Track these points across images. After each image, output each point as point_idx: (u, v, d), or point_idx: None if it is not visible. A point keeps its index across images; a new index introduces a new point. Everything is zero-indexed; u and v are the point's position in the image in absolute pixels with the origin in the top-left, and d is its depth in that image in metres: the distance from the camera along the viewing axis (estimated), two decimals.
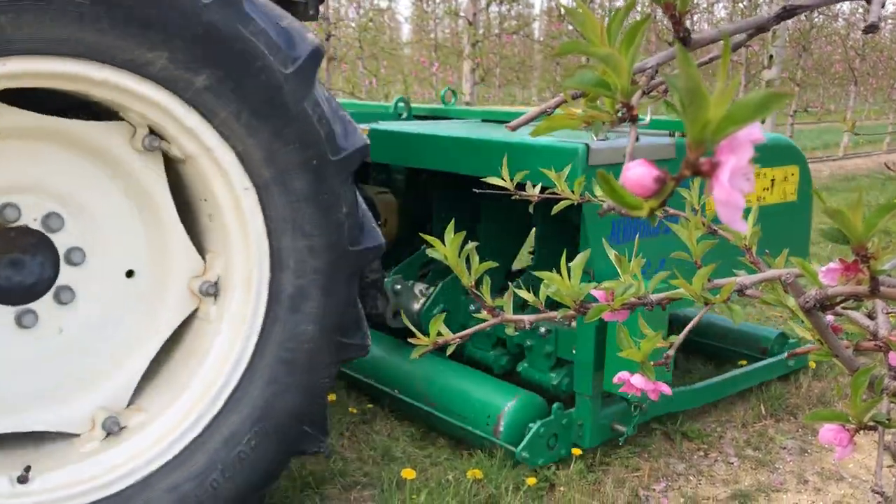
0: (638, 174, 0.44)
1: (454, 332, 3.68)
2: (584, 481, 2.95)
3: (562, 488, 2.90)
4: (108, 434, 2.22)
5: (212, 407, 2.25)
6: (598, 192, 1.47)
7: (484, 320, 1.05)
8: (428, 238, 1.09)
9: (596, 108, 0.69)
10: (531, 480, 2.89)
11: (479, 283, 1.06)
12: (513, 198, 1.60)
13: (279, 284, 2.23)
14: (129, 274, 2.24)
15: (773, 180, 3.53)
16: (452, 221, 1.09)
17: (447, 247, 1.04)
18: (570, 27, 13.29)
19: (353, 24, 13.08)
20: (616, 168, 2.73)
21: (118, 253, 2.21)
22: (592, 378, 2.98)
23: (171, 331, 2.30)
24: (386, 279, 3.51)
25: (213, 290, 2.27)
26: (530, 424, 3.00)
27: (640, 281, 1.03)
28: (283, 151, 2.13)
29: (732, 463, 3.28)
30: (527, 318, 1.07)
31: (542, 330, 3.23)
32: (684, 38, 0.68)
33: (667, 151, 3.04)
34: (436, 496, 2.82)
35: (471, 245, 1.09)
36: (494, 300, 1.06)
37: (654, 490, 3.03)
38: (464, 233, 1.06)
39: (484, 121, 4.12)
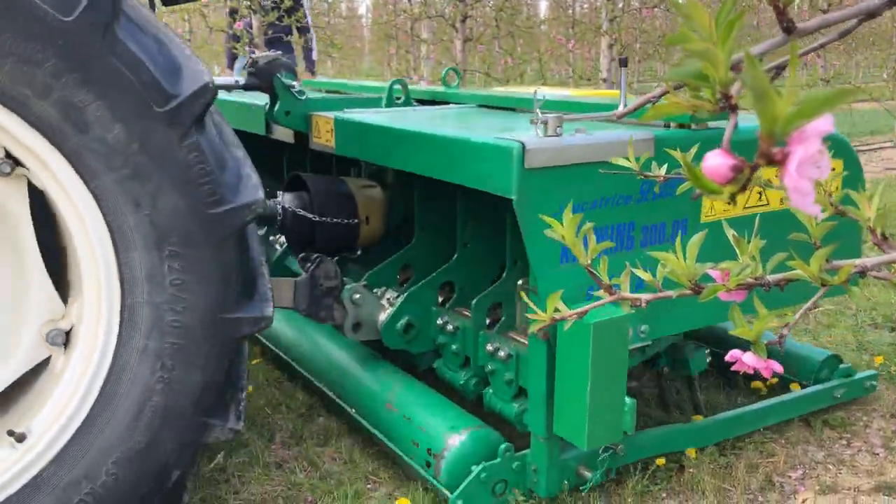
0: (714, 164, 0.48)
1: (423, 349, 3.80)
2: (714, 464, 2.92)
3: (691, 470, 2.89)
4: (63, 345, 2.17)
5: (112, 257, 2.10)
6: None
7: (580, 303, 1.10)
8: (547, 219, 1.13)
9: (698, 97, 0.73)
10: (660, 461, 2.89)
11: (591, 263, 1.11)
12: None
13: (71, 148, 2.00)
14: None
15: None
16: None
17: (564, 227, 1.08)
18: None
19: (489, 5, 13.13)
20: (557, 171, 2.34)
21: None
22: (545, 415, 2.51)
23: (29, 223, 2.12)
24: (346, 287, 3.08)
25: (9, 167, 2.07)
26: (473, 467, 2.58)
27: (758, 262, 1.04)
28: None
29: (878, 454, 3.13)
30: (644, 296, 1.10)
31: (503, 353, 2.78)
32: (788, 28, 0.71)
33: (645, 147, 2.54)
34: None
35: (588, 225, 1.13)
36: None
37: (789, 477, 2.95)
38: (581, 214, 1.10)
39: (480, 106, 3.68)
